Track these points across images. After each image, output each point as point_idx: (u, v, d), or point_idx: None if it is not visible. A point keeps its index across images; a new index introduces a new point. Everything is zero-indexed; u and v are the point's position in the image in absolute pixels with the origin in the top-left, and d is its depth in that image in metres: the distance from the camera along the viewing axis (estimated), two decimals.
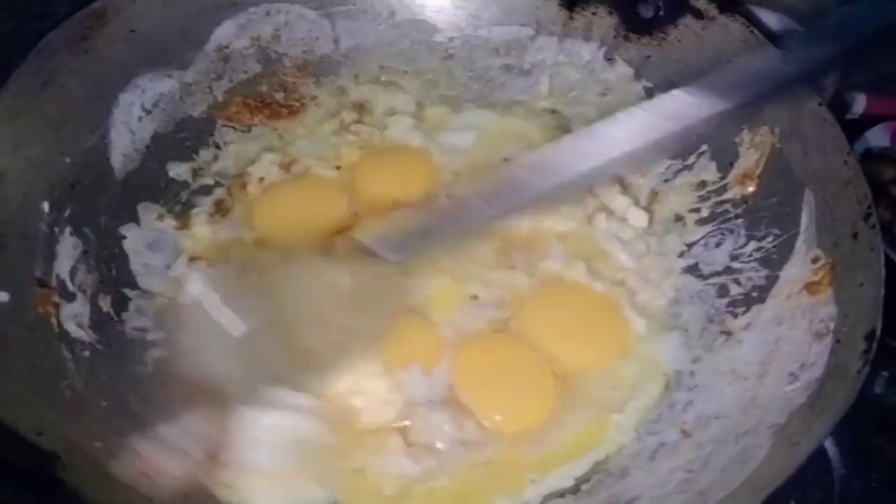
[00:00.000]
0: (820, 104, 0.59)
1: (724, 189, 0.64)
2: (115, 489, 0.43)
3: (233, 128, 0.70)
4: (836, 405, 0.44)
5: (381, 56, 0.76)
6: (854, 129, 0.89)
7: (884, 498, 0.60)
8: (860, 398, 0.76)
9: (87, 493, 0.42)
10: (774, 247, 0.59)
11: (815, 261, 0.54)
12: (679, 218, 0.65)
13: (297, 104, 0.73)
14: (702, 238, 0.64)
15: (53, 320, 0.52)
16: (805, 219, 0.57)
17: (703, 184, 0.66)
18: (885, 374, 0.78)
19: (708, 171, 0.66)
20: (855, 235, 0.52)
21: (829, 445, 0.63)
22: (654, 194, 0.67)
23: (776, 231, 0.59)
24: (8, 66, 0.56)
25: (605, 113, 0.70)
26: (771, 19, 0.81)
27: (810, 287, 0.53)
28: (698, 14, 0.67)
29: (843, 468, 0.62)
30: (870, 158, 0.88)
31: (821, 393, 0.46)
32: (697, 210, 0.65)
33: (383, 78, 0.76)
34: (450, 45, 0.76)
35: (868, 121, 0.91)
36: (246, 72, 0.72)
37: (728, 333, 0.57)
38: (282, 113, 0.72)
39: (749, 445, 0.46)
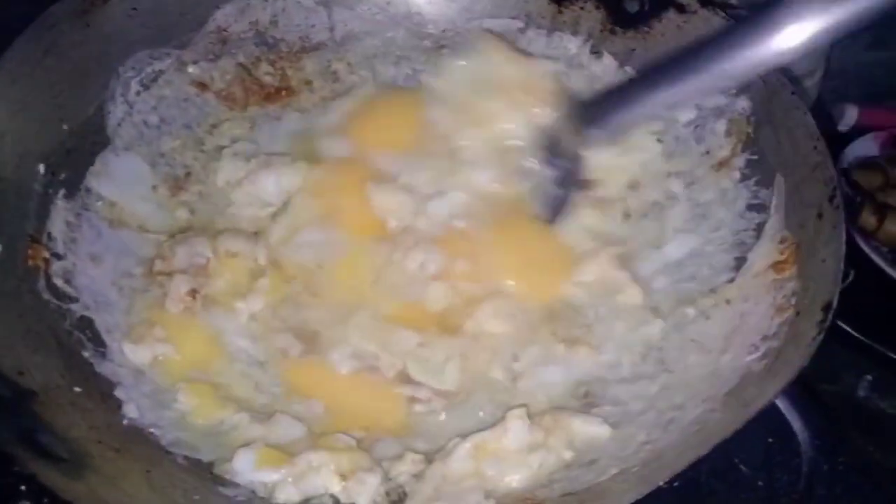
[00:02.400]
0: (793, 93, 0.61)
1: (700, 177, 0.66)
2: (89, 428, 0.45)
3: (228, 107, 0.72)
4: (789, 368, 0.45)
5: (375, 45, 0.78)
6: (845, 139, 0.91)
7: (849, 479, 0.61)
8: (842, 400, 0.77)
9: (61, 429, 0.43)
10: (745, 230, 0.60)
11: (782, 241, 0.56)
12: (656, 204, 0.67)
13: (292, 88, 0.75)
14: (679, 224, 0.65)
15: (42, 274, 0.54)
16: (775, 202, 0.59)
17: (680, 172, 0.67)
18: (869, 377, 0.79)
19: (686, 159, 0.67)
20: (820, 215, 0.54)
21: (799, 429, 0.64)
22: (634, 181, 0.69)
23: (748, 215, 0.61)
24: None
25: None
26: None
27: (776, 266, 0.55)
28: (681, 8, 0.69)
29: (811, 451, 0.63)
30: (858, 167, 0.90)
31: (777, 360, 0.47)
32: (674, 197, 0.67)
33: (379, 67, 0.78)
34: (442, 37, 0.78)
35: (859, 132, 0.94)
36: (243, 54, 0.74)
37: (698, 312, 0.58)
38: (276, 96, 0.75)
39: (706, 410, 0.47)
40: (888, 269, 0.80)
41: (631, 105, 0.56)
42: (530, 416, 0.50)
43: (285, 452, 0.50)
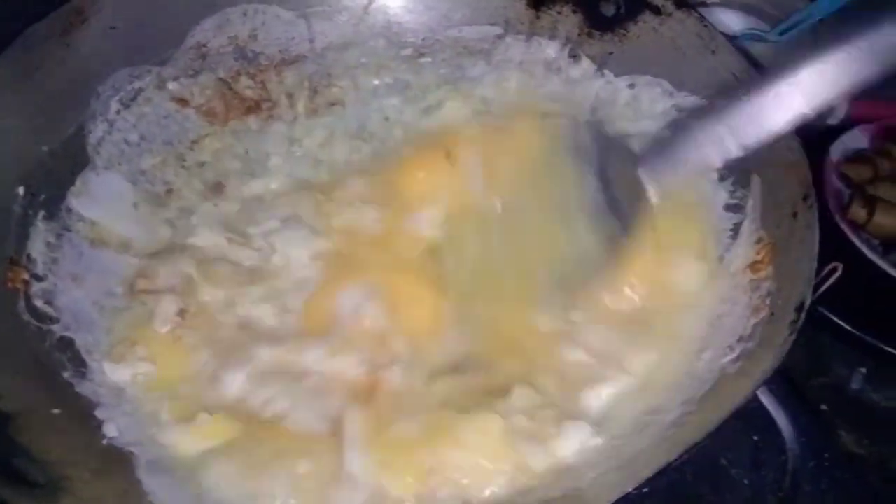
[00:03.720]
0: None
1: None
2: (68, 450, 0.46)
3: (209, 122, 0.73)
4: (762, 370, 0.45)
5: (355, 55, 0.78)
6: (835, 132, 0.91)
7: (836, 475, 0.61)
8: (834, 393, 0.77)
9: (40, 452, 0.44)
10: (723, 231, 0.60)
11: (758, 241, 0.56)
12: None
13: (273, 101, 0.76)
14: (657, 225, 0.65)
15: (22, 296, 0.55)
16: (751, 203, 0.59)
17: None
18: (863, 370, 0.79)
19: None
20: (794, 215, 0.54)
21: (784, 427, 0.64)
22: None
23: (726, 216, 0.61)
24: None
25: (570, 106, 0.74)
26: (734, 19, 0.84)
27: (753, 266, 0.55)
28: (656, 10, 0.69)
29: (797, 448, 0.63)
30: (848, 160, 0.90)
31: (751, 361, 0.47)
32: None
33: (360, 77, 0.78)
34: (422, 45, 0.79)
35: (850, 125, 0.93)
36: (223, 69, 0.74)
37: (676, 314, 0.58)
38: (257, 109, 0.75)
39: (682, 413, 0.47)
40: (879, 262, 0.79)
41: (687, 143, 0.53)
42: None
43: (266, 468, 0.51)
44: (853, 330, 0.76)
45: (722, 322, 0.54)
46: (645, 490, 0.42)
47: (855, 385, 0.79)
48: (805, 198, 0.53)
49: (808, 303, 0.47)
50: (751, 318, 0.51)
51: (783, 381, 0.65)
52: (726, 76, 0.64)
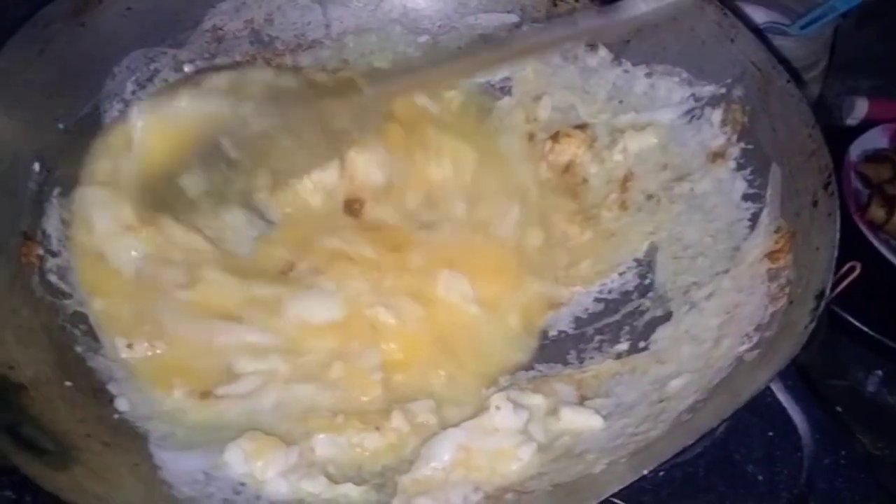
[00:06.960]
0: (788, 81, 0.60)
1: (696, 167, 0.65)
2: (79, 422, 0.46)
3: None
4: (781, 358, 0.45)
5: (371, 41, 0.78)
6: (855, 133, 0.90)
7: (851, 474, 0.60)
8: (850, 395, 0.76)
9: (50, 423, 0.44)
10: (740, 220, 0.60)
11: (777, 230, 0.55)
12: (651, 196, 0.66)
13: None
14: (674, 215, 0.65)
15: (36, 271, 0.55)
16: (770, 191, 0.58)
17: (676, 164, 0.67)
18: (879, 372, 0.78)
19: (681, 150, 0.67)
20: (815, 203, 0.53)
21: (800, 423, 0.63)
22: (629, 173, 0.68)
23: (744, 205, 0.60)
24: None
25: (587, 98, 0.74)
26: (756, 13, 0.83)
27: (771, 255, 0.54)
28: None
29: (812, 445, 0.62)
30: (867, 159, 0.89)
31: (769, 349, 0.47)
32: (670, 188, 0.66)
33: (375, 63, 0.78)
34: (438, 32, 0.78)
35: (869, 125, 0.92)
36: (239, 53, 0.74)
37: (692, 303, 0.57)
38: None
39: (697, 401, 0.47)
40: None
41: None
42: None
43: (281, 442, 0.50)
44: (870, 332, 0.75)
45: (739, 311, 0.53)
46: (660, 477, 0.41)
47: (871, 388, 0.78)
48: (826, 185, 0.52)
49: (828, 290, 0.47)
50: (769, 306, 0.51)
51: (800, 377, 0.64)
52: (746, 64, 0.63)
